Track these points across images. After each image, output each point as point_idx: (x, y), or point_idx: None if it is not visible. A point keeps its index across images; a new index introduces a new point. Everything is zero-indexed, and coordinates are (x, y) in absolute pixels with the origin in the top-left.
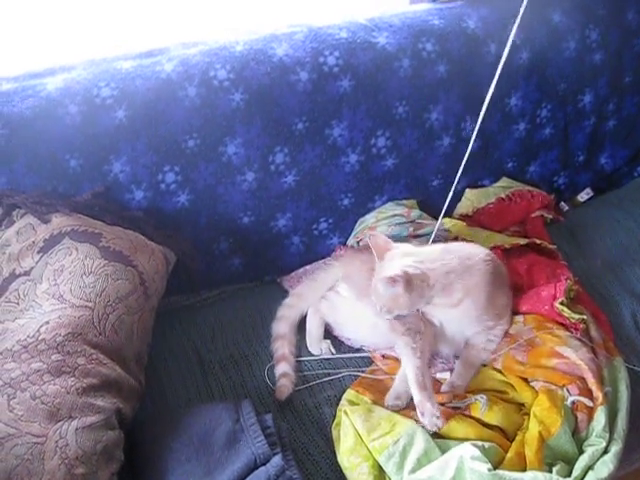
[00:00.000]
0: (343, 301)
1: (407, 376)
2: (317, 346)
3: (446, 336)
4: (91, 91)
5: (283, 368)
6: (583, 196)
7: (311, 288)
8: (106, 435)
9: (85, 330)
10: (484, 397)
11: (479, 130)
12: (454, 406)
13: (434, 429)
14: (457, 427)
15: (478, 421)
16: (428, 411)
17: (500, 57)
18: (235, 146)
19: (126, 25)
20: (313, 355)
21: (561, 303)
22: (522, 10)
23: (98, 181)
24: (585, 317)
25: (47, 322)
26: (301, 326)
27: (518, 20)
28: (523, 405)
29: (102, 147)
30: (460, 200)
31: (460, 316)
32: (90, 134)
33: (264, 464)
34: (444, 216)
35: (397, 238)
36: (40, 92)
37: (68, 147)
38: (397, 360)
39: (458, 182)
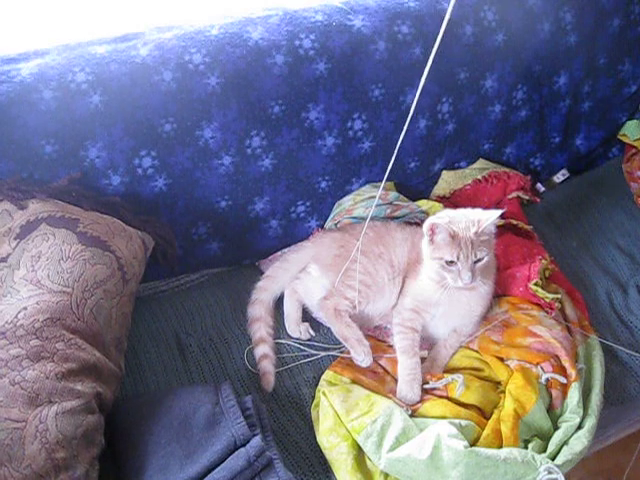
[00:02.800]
0: (314, 281)
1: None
2: (296, 328)
3: (433, 327)
4: (66, 76)
5: (263, 350)
6: (559, 177)
7: (282, 269)
8: (86, 419)
9: (63, 315)
10: (461, 377)
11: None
12: (432, 387)
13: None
14: (434, 407)
15: (455, 401)
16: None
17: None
18: (212, 130)
19: (100, 9)
20: (292, 337)
21: (535, 284)
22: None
23: (74, 167)
24: (560, 296)
25: (25, 308)
26: (278, 307)
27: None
28: (499, 383)
29: (78, 133)
30: (437, 182)
31: (466, 301)
32: (65, 120)
33: (244, 445)
34: (421, 198)
35: (374, 220)
36: (14, 78)
37: (43, 133)
38: (375, 339)
39: (435, 164)
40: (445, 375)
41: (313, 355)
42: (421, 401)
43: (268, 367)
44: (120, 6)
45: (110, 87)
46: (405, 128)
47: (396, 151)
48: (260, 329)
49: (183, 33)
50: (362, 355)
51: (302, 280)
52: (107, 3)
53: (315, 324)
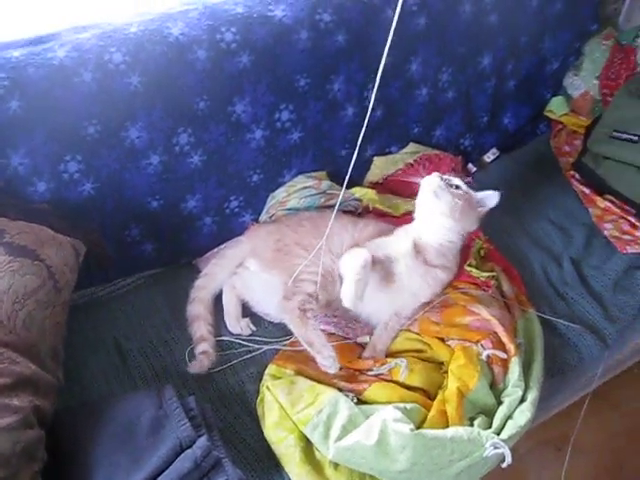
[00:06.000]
0: (253, 276)
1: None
2: (236, 324)
3: (373, 309)
4: None
5: (203, 347)
6: (490, 156)
7: (220, 266)
8: (25, 435)
9: None
10: (404, 361)
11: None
12: (376, 373)
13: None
14: (379, 392)
15: (400, 385)
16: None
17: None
18: (137, 130)
19: (11, 11)
20: (233, 334)
21: (469, 265)
22: None
23: None
24: (495, 274)
25: None
26: (217, 305)
27: None
28: (442, 364)
29: None
30: (369, 168)
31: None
32: None
33: (190, 447)
34: (354, 185)
35: (308, 210)
36: None
37: None
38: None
39: (366, 150)
40: (388, 360)
41: (256, 350)
42: (367, 382)
43: (203, 358)
44: (31, 7)
45: (28, 92)
46: (368, 118)
47: (359, 142)
48: (200, 328)
49: (101, 32)
50: (330, 360)
51: (240, 275)
52: (17, 4)
53: (256, 319)
